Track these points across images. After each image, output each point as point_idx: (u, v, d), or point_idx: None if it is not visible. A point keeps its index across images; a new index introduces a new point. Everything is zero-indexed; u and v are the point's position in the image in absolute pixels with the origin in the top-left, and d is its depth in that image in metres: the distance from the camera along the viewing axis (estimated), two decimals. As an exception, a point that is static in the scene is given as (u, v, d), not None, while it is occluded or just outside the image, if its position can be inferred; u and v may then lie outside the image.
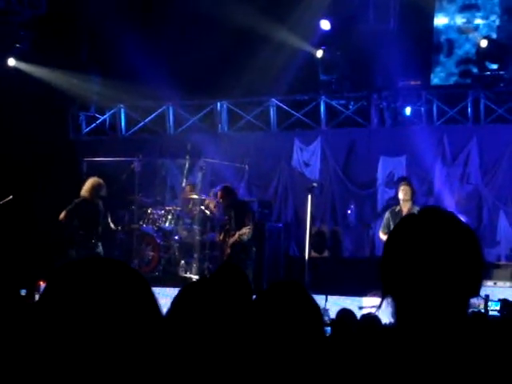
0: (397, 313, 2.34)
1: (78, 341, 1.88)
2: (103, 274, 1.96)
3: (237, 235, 13.91)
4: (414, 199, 12.40)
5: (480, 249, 2.35)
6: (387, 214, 12.78)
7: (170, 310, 2.80)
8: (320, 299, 12.28)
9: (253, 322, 2.58)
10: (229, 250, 14.06)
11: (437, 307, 2.28)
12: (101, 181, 13.34)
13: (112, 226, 14.03)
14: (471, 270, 2.31)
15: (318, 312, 2.66)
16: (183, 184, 16.21)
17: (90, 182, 13.25)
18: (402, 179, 13.39)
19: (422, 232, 2.32)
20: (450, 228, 2.34)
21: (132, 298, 1.94)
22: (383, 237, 13.04)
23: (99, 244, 13.45)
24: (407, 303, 2.31)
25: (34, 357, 1.87)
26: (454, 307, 2.29)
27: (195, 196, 15.66)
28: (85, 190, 13.23)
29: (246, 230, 13.93)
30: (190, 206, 15.81)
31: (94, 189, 13.13)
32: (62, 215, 13.22)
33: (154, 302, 1.97)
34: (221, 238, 14.37)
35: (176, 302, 2.77)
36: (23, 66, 17.69)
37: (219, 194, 14.32)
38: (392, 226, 12.33)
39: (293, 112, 17.92)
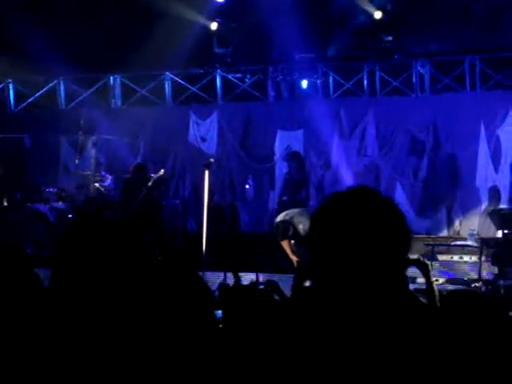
0: (318, 285, 2.35)
1: None
2: None
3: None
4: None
5: (405, 225, 2.38)
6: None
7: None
8: (219, 275, 12.15)
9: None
10: None
11: (360, 280, 2.29)
12: None
13: (5, 203, 13.64)
14: (398, 244, 2.34)
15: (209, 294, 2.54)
16: (76, 161, 15.82)
17: None
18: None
19: (349, 209, 2.33)
20: (377, 204, 2.36)
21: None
22: None
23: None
24: (333, 277, 2.30)
25: None
26: (380, 278, 2.31)
27: (89, 173, 15.34)
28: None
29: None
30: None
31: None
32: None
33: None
34: None
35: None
36: None
37: (131, 169, 14.92)
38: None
39: (188, 86, 17.64)
